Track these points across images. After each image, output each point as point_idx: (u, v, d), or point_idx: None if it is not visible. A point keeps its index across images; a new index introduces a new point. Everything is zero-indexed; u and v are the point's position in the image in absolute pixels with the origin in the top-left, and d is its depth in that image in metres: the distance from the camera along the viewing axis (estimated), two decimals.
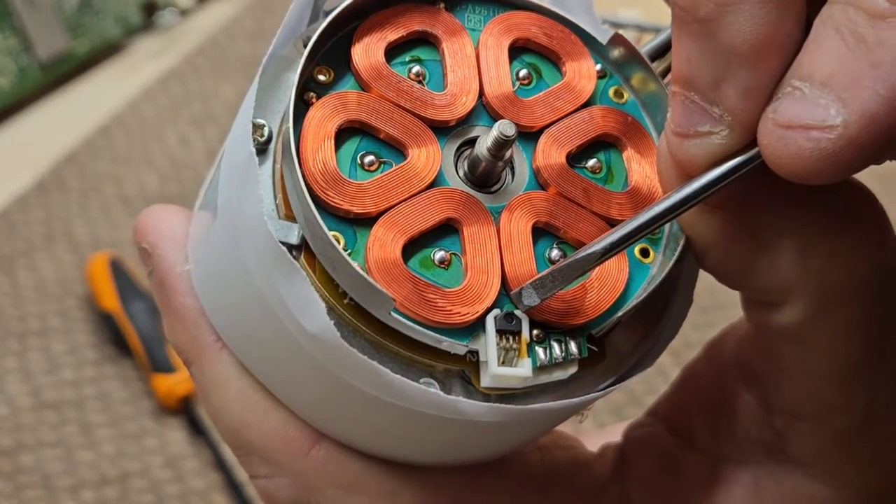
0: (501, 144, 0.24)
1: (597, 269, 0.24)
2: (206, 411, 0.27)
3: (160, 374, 0.53)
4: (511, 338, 0.24)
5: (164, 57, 0.77)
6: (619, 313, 0.24)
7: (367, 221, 0.24)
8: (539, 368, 0.24)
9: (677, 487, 0.27)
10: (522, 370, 0.23)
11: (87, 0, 0.75)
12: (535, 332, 0.24)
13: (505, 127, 0.24)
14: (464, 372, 0.24)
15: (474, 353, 0.24)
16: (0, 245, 0.62)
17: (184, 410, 0.53)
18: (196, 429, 0.52)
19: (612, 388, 0.25)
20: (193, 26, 0.81)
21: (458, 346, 0.24)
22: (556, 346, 0.24)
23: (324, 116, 0.24)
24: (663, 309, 0.26)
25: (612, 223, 0.25)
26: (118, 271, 0.57)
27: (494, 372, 0.23)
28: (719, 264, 0.24)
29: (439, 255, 0.24)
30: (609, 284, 0.25)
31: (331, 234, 0.23)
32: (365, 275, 0.23)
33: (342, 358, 0.23)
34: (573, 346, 0.24)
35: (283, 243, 0.23)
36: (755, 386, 0.26)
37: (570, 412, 0.25)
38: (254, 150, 0.24)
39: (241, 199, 0.24)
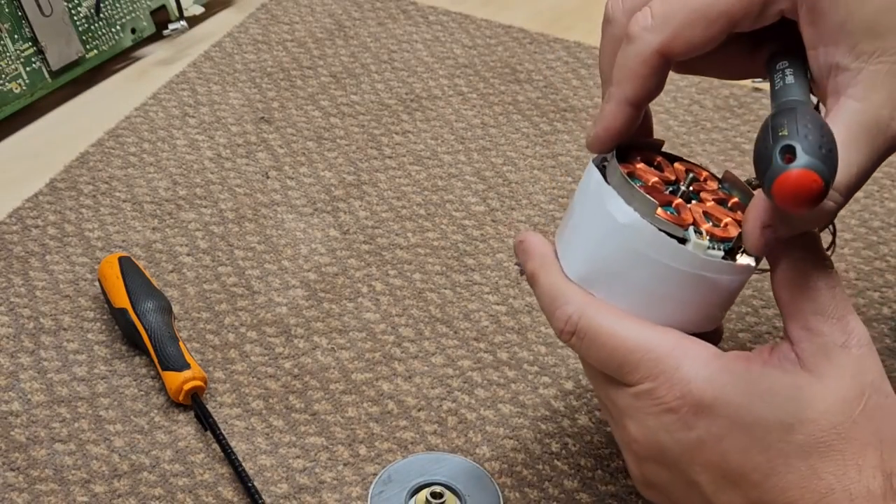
0: None
1: None
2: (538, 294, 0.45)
3: (170, 371, 0.54)
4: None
5: (173, 64, 0.79)
6: None
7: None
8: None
9: None
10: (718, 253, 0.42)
11: (99, 9, 0.76)
12: None
13: None
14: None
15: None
16: (14, 247, 0.63)
17: (193, 406, 0.54)
18: (205, 424, 0.53)
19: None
20: (202, 34, 0.82)
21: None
22: None
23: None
24: None
25: None
26: (129, 272, 0.58)
27: (704, 249, 0.42)
28: None
29: None
30: None
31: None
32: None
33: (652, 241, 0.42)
34: None
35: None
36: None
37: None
38: (595, 180, 0.44)
39: (588, 191, 0.44)
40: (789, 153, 0.36)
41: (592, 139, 0.44)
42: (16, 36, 0.72)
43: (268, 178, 0.69)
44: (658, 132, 0.71)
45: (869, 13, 0.40)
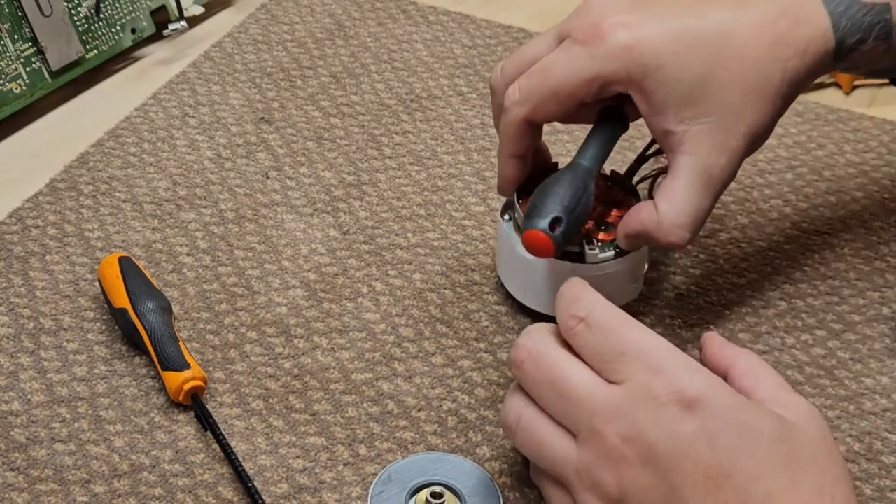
0: None
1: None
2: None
3: (170, 371, 0.54)
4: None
5: (173, 64, 0.79)
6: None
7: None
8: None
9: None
10: (610, 254, 0.56)
11: (99, 9, 0.76)
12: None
13: None
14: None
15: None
16: (14, 247, 0.63)
17: (193, 406, 0.54)
18: (205, 424, 0.53)
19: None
20: (202, 34, 0.82)
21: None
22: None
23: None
24: None
25: None
26: (129, 272, 0.58)
27: (596, 257, 0.56)
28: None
29: None
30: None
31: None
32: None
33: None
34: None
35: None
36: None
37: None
38: (503, 223, 0.58)
39: (499, 229, 0.59)
40: (532, 216, 0.50)
41: (498, 187, 0.58)
42: (16, 36, 0.72)
43: (268, 178, 0.69)
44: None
45: (685, 88, 0.51)
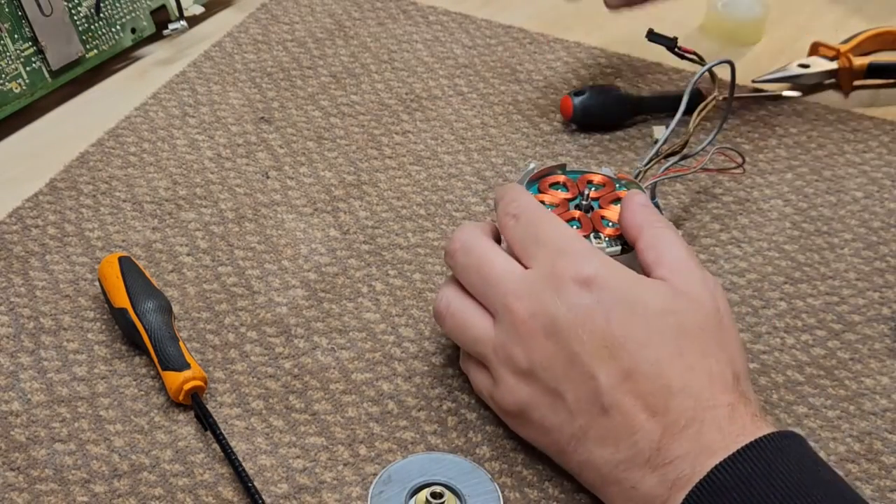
0: None
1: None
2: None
3: (170, 371, 0.54)
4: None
5: (173, 64, 0.79)
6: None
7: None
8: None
9: None
10: (617, 249, 0.54)
11: (99, 9, 0.76)
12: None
13: None
14: None
15: None
16: (14, 247, 0.63)
17: (193, 406, 0.54)
18: (205, 424, 0.53)
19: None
20: (202, 34, 0.82)
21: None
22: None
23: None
24: None
25: None
26: (129, 272, 0.58)
27: (604, 251, 0.53)
28: None
29: None
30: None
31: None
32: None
33: None
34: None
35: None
36: None
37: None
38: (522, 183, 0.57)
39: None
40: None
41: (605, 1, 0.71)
42: (16, 36, 0.72)
43: (268, 178, 0.69)
44: (659, 133, 0.71)
45: None
